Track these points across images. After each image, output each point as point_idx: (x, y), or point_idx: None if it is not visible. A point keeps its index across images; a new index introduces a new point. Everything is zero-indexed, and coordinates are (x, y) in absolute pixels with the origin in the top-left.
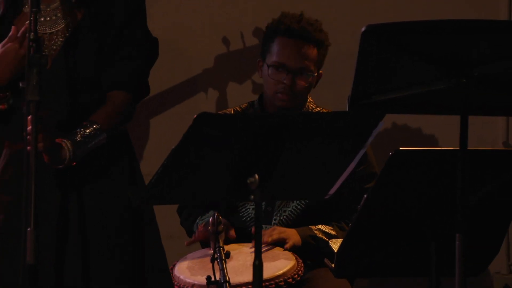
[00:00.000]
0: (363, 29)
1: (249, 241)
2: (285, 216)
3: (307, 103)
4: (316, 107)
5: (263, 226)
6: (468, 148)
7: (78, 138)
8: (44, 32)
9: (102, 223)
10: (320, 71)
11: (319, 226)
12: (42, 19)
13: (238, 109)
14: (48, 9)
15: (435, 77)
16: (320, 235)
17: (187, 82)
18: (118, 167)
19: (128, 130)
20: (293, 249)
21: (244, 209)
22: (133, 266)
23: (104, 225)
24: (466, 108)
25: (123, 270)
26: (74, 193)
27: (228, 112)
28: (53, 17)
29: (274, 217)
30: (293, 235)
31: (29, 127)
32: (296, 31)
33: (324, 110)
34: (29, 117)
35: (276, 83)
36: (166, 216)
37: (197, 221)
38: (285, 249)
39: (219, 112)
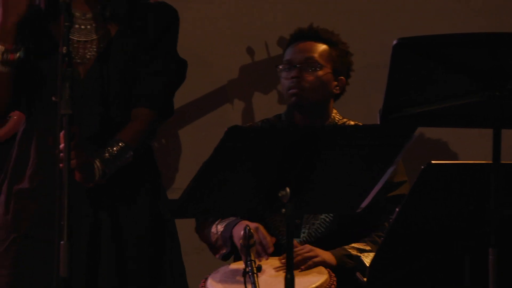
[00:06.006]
0: (394, 42)
1: (278, 254)
2: (314, 229)
3: (333, 115)
4: (342, 119)
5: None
6: (501, 162)
7: (106, 156)
8: (79, 39)
9: (130, 237)
10: (341, 77)
11: (353, 245)
12: (77, 26)
13: (265, 121)
14: (83, 18)
15: (468, 90)
16: (355, 253)
17: (213, 93)
18: (144, 182)
19: (159, 141)
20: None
21: (270, 221)
22: (153, 276)
23: (133, 238)
24: (500, 121)
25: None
26: (104, 209)
27: (255, 125)
28: (88, 27)
29: (303, 230)
30: (324, 253)
31: (62, 144)
32: (303, 33)
33: (351, 122)
34: (62, 133)
35: (286, 81)
36: None
37: (217, 222)
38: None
39: (248, 124)
